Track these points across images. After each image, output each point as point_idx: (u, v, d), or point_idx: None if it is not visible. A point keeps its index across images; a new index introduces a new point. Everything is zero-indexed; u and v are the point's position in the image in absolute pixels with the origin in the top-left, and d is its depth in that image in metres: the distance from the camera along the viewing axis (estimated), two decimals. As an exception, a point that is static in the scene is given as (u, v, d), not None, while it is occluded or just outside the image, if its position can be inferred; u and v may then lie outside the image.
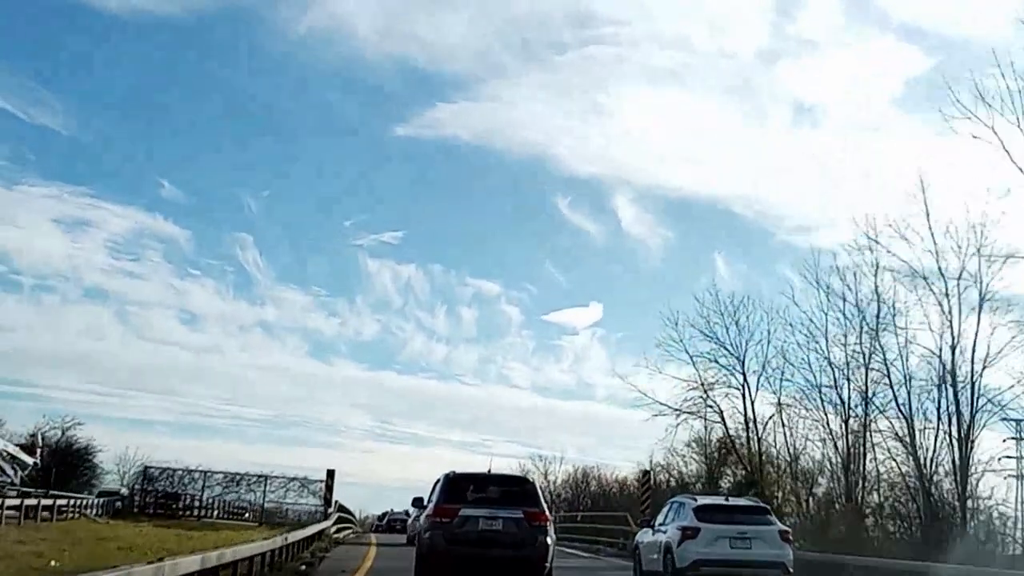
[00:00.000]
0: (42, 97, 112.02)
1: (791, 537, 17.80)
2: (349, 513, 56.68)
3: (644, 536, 20.33)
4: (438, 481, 16.04)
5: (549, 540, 14.95)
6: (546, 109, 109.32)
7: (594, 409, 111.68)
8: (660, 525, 19.33)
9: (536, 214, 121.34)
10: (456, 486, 15.42)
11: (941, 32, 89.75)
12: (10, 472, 42.50)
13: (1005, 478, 34.49)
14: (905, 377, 32.20)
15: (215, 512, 56.71)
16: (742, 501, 19.50)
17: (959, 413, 29.91)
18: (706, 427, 41.72)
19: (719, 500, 19.01)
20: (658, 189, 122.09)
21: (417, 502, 19.06)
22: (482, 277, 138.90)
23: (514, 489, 15.68)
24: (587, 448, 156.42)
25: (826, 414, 35.61)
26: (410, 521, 38.52)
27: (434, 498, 15.58)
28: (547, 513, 15.47)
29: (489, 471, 16.38)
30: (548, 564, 14.96)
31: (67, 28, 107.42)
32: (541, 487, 18.77)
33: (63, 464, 60.53)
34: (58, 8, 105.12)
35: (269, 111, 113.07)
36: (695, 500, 18.52)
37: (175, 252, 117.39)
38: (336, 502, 45.31)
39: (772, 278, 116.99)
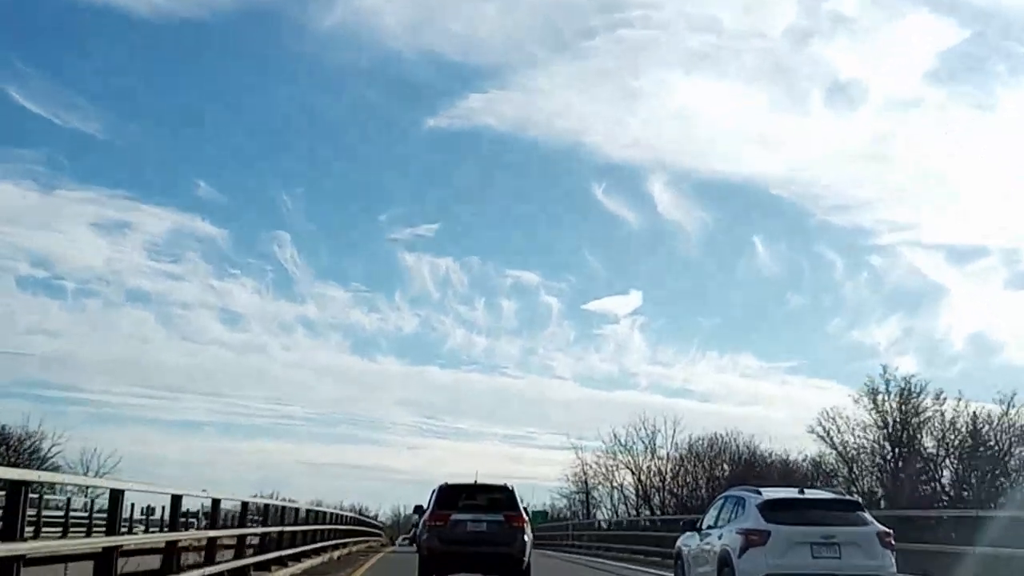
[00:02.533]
0: (74, 101, 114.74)
1: (893, 541, 13.08)
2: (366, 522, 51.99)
3: (689, 542, 15.69)
4: (434, 491, 18.45)
5: (526, 539, 17.46)
6: (578, 96, 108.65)
7: (637, 398, 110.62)
8: (710, 527, 14.75)
9: (572, 202, 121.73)
10: (448, 495, 17.98)
11: (974, 3, 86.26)
12: None
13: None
14: None
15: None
16: (823, 494, 14.77)
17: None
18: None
19: (791, 493, 14.27)
20: (694, 173, 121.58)
21: (418, 509, 20.64)
22: (520, 268, 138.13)
23: (496, 496, 18.07)
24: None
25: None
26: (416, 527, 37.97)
27: (430, 506, 18.03)
28: (524, 516, 17.80)
29: (475, 482, 18.85)
30: (526, 559, 17.41)
31: (96, 31, 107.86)
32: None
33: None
34: (86, 11, 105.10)
35: (299, 108, 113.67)
36: (759, 493, 13.84)
37: (214, 252, 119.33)
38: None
39: (812, 258, 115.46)
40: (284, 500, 33.16)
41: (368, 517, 70.28)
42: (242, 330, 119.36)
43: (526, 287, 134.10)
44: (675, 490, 65.09)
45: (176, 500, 13.69)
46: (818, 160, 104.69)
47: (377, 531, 54.74)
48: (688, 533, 15.92)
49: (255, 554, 18.72)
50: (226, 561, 16.25)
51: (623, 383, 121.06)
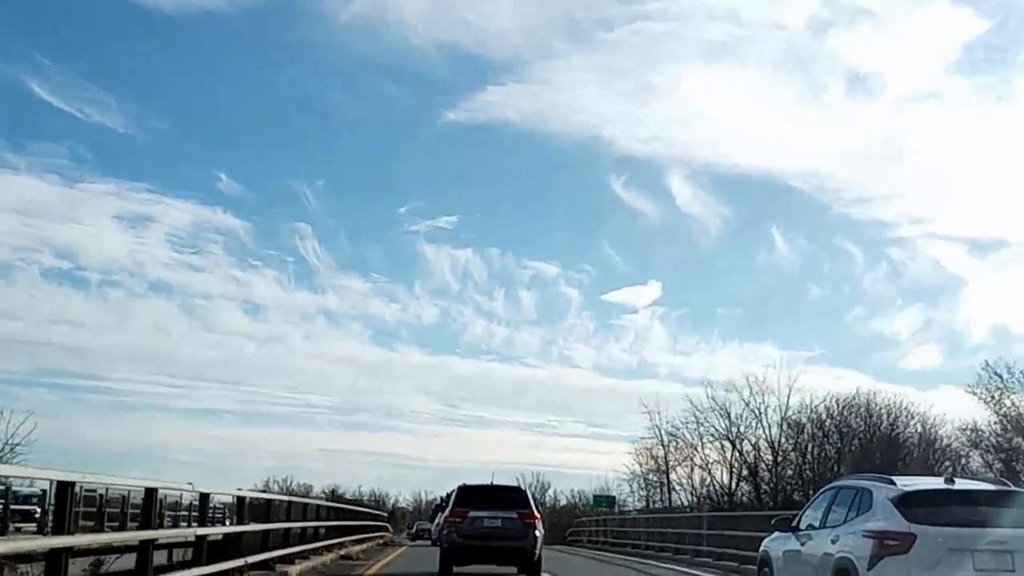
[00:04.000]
0: (96, 95, 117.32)
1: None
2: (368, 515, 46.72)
3: (781, 545, 12.31)
4: (453, 491, 21.03)
5: (538, 533, 18.76)
6: (596, 88, 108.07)
7: (656, 388, 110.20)
8: (812, 527, 11.40)
9: (591, 195, 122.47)
10: (467, 494, 19.70)
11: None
12: None
13: None
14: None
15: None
16: (982, 484, 11.30)
17: None
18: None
19: (936, 483, 10.76)
20: (713, 166, 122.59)
21: (438, 508, 24.16)
22: (539, 259, 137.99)
23: (511, 495, 19.90)
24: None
25: None
26: (434, 525, 41.94)
27: (451, 504, 20.09)
28: (535, 512, 19.22)
29: (492, 483, 21.57)
30: (537, 551, 18.75)
31: (116, 25, 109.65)
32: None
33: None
34: (106, 5, 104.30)
35: (318, 101, 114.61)
36: (891, 483, 10.39)
37: (235, 244, 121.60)
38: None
39: (831, 251, 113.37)
40: (277, 491, 29.50)
41: (370, 506, 67.11)
42: (263, 320, 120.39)
43: (545, 278, 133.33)
44: (777, 474, 51.86)
45: (150, 493, 11.87)
46: (837, 153, 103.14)
47: (379, 523, 47.20)
48: (779, 533, 12.54)
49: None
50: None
51: (642, 373, 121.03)
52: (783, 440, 51.48)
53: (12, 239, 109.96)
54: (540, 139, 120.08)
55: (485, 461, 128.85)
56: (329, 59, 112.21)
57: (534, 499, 20.21)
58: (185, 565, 13.56)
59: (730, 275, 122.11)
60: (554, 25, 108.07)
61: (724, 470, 54.20)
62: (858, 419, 50.40)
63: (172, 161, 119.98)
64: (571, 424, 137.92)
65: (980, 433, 44.16)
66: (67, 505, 8.98)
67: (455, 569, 19.14)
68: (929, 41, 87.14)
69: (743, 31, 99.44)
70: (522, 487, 21.53)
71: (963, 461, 44.80)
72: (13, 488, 28.90)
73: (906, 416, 49.51)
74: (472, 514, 18.76)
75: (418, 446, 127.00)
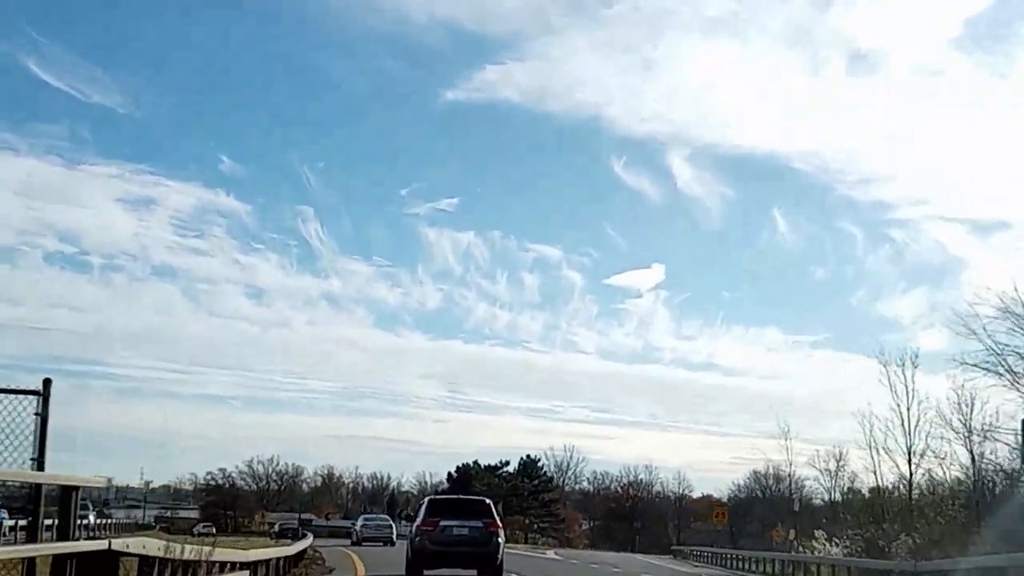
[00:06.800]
0: (95, 75, 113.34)
1: None
2: None
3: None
4: (421, 503, 24.95)
5: (500, 540, 21.14)
6: (597, 67, 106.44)
7: (661, 373, 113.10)
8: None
9: (592, 176, 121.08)
10: (437, 506, 22.46)
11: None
12: None
13: None
14: None
15: None
16: None
17: None
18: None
19: None
20: (714, 147, 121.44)
21: (408, 517, 29.58)
22: (542, 242, 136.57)
23: (476, 507, 22.09)
24: (657, 414, 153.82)
25: None
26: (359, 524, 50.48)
27: (422, 514, 21.98)
28: (498, 522, 21.57)
29: (458, 496, 29.82)
30: (500, 556, 20.97)
31: (114, 4, 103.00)
32: None
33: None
34: None
35: (319, 82, 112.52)
36: None
37: (238, 227, 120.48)
38: None
39: (833, 232, 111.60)
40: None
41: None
42: (267, 305, 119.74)
43: (548, 261, 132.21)
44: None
45: None
46: (839, 133, 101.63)
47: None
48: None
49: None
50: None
51: (647, 357, 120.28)
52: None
53: (15, 222, 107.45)
54: (541, 119, 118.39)
55: (493, 447, 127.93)
56: (328, 37, 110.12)
57: (495, 509, 22.54)
58: None
59: (733, 258, 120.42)
60: (554, 0, 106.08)
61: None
62: None
63: (173, 142, 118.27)
64: (576, 409, 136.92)
65: None
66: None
67: (425, 573, 21.24)
68: (931, 17, 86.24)
69: (743, 6, 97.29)
70: (486, 500, 23.37)
71: None
72: None
73: None
74: (442, 523, 20.86)
75: (422, 431, 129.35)
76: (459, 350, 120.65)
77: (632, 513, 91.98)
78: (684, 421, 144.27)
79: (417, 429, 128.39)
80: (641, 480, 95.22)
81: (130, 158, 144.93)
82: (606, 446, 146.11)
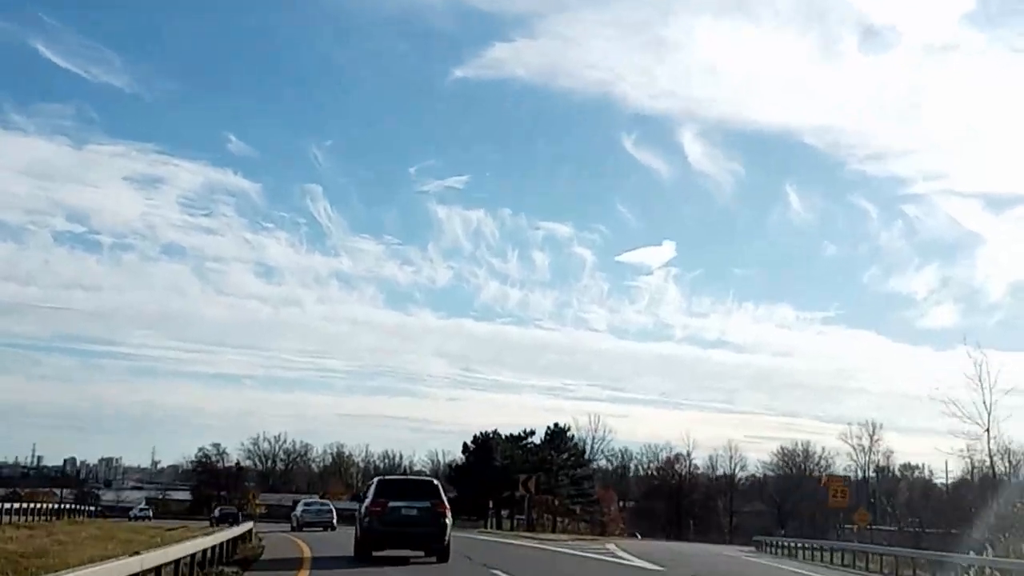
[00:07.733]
0: (103, 55, 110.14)
1: None
2: None
3: None
4: (370, 484, 24.07)
5: (447, 521, 21.57)
6: (607, 44, 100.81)
7: (672, 350, 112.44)
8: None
9: (602, 153, 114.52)
10: (385, 487, 22.61)
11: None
12: None
13: None
14: None
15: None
16: None
17: None
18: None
19: None
20: (726, 123, 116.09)
21: (356, 498, 30.61)
22: (552, 219, 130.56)
23: (424, 487, 22.97)
24: (669, 392, 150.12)
25: None
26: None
27: (371, 495, 22.25)
28: (445, 503, 21.94)
29: (407, 477, 33.41)
30: (447, 537, 21.53)
31: None
32: None
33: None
34: None
35: (325, 60, 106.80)
36: None
37: (247, 206, 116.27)
38: None
39: (846, 208, 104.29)
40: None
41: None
42: (277, 283, 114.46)
43: (558, 239, 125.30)
44: None
45: None
46: (852, 108, 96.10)
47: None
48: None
49: None
50: None
51: (658, 334, 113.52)
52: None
53: (24, 202, 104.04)
54: (551, 96, 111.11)
55: (506, 424, 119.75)
56: (335, 17, 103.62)
57: (443, 490, 23.07)
58: None
59: (744, 234, 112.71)
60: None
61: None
62: None
63: (180, 121, 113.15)
64: (588, 387, 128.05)
65: None
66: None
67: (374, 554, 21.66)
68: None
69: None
70: (434, 480, 24.37)
71: None
72: None
73: None
74: (391, 504, 21.27)
75: (435, 409, 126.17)
76: (470, 328, 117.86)
77: (678, 494, 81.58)
78: (696, 400, 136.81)
79: (430, 407, 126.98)
80: (680, 456, 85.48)
81: (137, 137, 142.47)
82: (620, 424, 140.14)
